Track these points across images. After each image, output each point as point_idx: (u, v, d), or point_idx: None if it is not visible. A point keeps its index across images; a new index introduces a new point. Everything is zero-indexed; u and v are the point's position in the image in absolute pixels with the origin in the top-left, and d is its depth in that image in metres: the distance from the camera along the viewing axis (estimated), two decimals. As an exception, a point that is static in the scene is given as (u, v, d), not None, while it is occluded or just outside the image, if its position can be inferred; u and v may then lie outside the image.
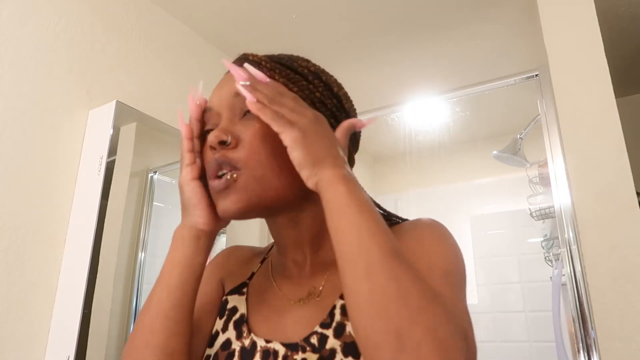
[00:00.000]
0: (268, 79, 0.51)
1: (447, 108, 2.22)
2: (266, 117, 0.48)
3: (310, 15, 1.69)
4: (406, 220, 0.60)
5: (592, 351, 1.08)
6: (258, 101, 0.48)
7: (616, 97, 1.20)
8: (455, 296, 0.47)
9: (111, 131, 1.26)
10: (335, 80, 0.60)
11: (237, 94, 0.52)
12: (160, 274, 0.54)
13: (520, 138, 1.91)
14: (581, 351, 1.10)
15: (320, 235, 0.57)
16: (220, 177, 0.51)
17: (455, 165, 2.72)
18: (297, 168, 0.47)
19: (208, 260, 0.57)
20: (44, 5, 1.25)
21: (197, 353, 0.57)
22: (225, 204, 0.51)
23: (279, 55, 0.59)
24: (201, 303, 0.60)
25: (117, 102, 1.29)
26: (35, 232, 1.15)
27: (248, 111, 0.52)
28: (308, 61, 0.59)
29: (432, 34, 1.82)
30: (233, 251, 0.69)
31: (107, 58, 1.40)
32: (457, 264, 0.51)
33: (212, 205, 0.55)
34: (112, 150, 1.27)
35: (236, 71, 0.50)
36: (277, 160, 0.51)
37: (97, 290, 1.19)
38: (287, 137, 0.47)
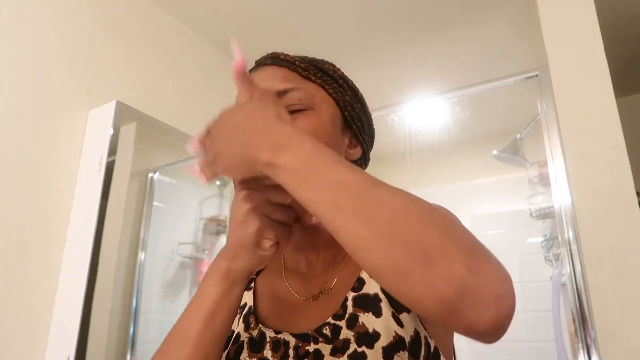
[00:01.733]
0: (243, 62, 0.47)
1: (447, 108, 2.22)
2: (206, 177, 0.46)
3: (310, 15, 1.69)
4: None
5: (592, 351, 1.08)
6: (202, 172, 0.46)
7: (616, 97, 1.20)
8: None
9: (111, 131, 1.26)
10: (356, 85, 0.63)
11: (278, 93, 0.51)
12: (197, 309, 0.47)
13: (520, 138, 1.90)
14: (581, 351, 1.10)
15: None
16: None
17: (455, 165, 2.72)
18: None
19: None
20: (44, 5, 1.25)
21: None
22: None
23: (308, 57, 0.60)
24: None
25: (117, 102, 1.29)
26: (35, 232, 1.15)
27: (293, 111, 0.52)
28: (334, 65, 0.61)
29: (432, 34, 1.82)
30: None
31: (107, 58, 1.40)
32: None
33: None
34: (112, 150, 1.27)
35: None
36: None
37: (97, 290, 1.19)
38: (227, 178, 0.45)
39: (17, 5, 1.18)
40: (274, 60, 0.57)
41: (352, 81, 0.62)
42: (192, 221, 1.63)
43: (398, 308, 0.48)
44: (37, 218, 1.16)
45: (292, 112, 0.52)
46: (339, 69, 0.61)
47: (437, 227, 0.34)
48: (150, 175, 1.46)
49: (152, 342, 1.43)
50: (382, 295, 0.49)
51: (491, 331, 0.33)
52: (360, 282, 0.51)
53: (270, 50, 0.61)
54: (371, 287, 0.50)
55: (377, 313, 0.48)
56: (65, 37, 1.29)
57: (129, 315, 1.34)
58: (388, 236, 0.33)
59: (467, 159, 2.70)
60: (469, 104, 2.27)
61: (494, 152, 2.00)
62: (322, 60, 0.61)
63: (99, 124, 1.29)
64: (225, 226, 1.66)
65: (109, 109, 1.28)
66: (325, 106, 0.56)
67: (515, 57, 1.94)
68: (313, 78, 0.56)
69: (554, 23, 1.35)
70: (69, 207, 1.24)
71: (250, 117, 0.43)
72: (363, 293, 0.50)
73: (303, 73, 0.56)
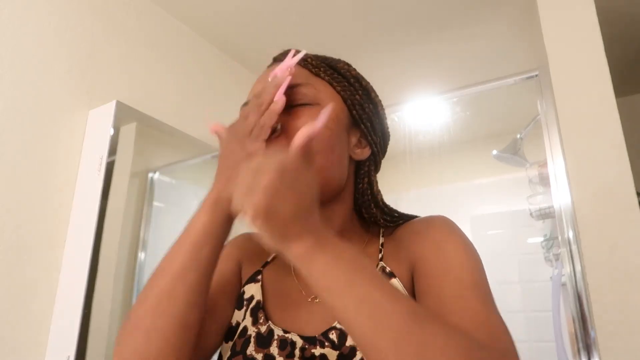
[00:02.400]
0: (292, 69, 0.51)
1: (447, 108, 2.21)
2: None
3: (310, 15, 1.69)
4: (416, 217, 0.61)
5: (592, 351, 1.08)
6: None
7: (616, 97, 1.20)
8: (487, 308, 0.46)
9: (111, 131, 1.26)
10: (372, 86, 0.62)
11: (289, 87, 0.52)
12: (184, 239, 0.49)
13: (520, 138, 1.90)
14: (581, 351, 1.10)
15: (341, 234, 0.57)
16: None
17: (455, 165, 2.71)
18: None
19: None
20: (44, 5, 1.25)
21: (209, 333, 0.55)
22: None
23: (323, 56, 0.61)
24: (217, 281, 0.58)
25: (117, 102, 1.29)
26: (35, 232, 1.15)
27: (298, 105, 0.53)
28: (349, 65, 0.61)
29: (432, 34, 1.82)
30: (251, 237, 0.67)
31: (107, 58, 1.40)
32: (480, 269, 0.50)
33: None
34: (112, 150, 1.27)
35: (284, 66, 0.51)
36: (327, 151, 0.52)
37: (97, 290, 1.19)
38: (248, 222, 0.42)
39: (17, 5, 1.18)
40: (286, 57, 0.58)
41: (367, 82, 0.62)
42: (192, 221, 1.63)
43: None
44: (37, 218, 1.16)
45: (296, 106, 0.53)
46: (354, 69, 0.61)
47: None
48: (150, 175, 1.46)
49: (152, 342, 1.43)
50: None
51: None
52: None
53: (269, 50, 0.61)
54: None
55: None
56: (65, 37, 1.29)
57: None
58: None
59: (467, 159, 2.70)
60: (469, 104, 2.26)
61: (494, 152, 2.00)
62: (337, 60, 0.62)
63: (99, 124, 1.29)
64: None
65: (109, 109, 1.28)
66: (331, 103, 0.55)
67: (515, 57, 1.94)
68: (322, 75, 0.57)
69: (554, 23, 1.34)
70: (69, 207, 1.24)
71: (299, 188, 0.40)
72: None
73: (313, 70, 0.57)
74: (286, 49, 0.61)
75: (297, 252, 0.40)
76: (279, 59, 0.60)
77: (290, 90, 0.53)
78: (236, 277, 0.62)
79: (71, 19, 1.31)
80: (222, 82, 1.84)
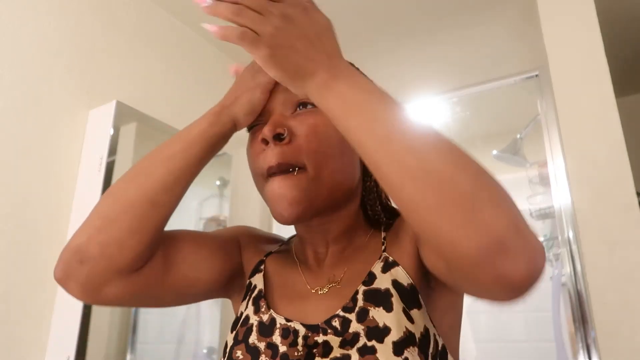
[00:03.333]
0: None
1: (447, 108, 2.21)
2: (229, 37, 0.43)
3: (310, 15, 1.69)
4: None
5: (592, 351, 1.08)
6: (214, 11, 0.45)
7: (616, 97, 1.20)
8: None
9: (111, 131, 1.26)
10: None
11: (288, 89, 0.50)
12: (178, 135, 0.52)
13: (520, 138, 1.90)
14: (581, 351, 1.10)
15: (346, 233, 0.57)
16: (283, 173, 0.50)
17: (455, 165, 2.71)
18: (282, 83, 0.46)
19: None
20: (44, 5, 1.25)
21: (185, 263, 0.55)
22: (284, 207, 0.50)
23: None
24: (214, 236, 0.60)
25: (117, 102, 1.29)
26: (36, 232, 1.15)
27: (300, 106, 0.52)
28: (352, 64, 0.61)
29: (433, 34, 1.82)
30: (255, 229, 0.69)
31: (107, 58, 1.40)
32: None
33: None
34: (112, 150, 1.27)
35: None
36: (337, 155, 0.51)
37: (97, 290, 1.19)
38: (257, 58, 0.44)
39: (17, 5, 1.18)
40: None
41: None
42: (192, 221, 1.63)
43: (409, 304, 0.48)
44: (37, 218, 1.16)
45: (300, 107, 0.53)
46: (357, 68, 0.60)
47: (490, 181, 0.36)
48: (150, 175, 1.46)
49: (152, 342, 1.43)
50: (393, 291, 0.49)
51: (522, 284, 0.33)
52: (372, 277, 0.51)
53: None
54: (382, 282, 0.50)
55: (388, 308, 0.47)
56: (65, 37, 1.29)
57: (129, 315, 1.34)
58: (441, 172, 0.35)
59: (467, 159, 2.70)
60: (469, 104, 2.26)
61: (494, 152, 2.00)
62: None
63: (99, 124, 1.29)
64: (225, 226, 1.66)
65: (109, 109, 1.28)
66: None
67: (515, 57, 1.94)
68: None
69: (554, 23, 1.35)
70: (69, 207, 1.24)
71: (321, 30, 0.45)
72: (374, 287, 0.50)
73: None
74: None
75: (311, 87, 0.43)
76: None
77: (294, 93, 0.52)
78: (231, 246, 0.62)
79: (71, 19, 1.31)
80: (222, 82, 1.84)
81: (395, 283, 0.49)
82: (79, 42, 1.33)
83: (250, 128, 0.56)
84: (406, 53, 1.95)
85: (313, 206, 0.51)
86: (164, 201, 0.50)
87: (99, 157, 1.24)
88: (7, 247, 1.09)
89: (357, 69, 0.51)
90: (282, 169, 0.50)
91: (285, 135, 0.50)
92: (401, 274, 0.51)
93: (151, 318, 1.42)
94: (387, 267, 0.52)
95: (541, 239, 1.92)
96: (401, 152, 0.37)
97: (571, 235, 1.18)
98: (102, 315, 1.23)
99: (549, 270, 1.85)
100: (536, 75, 1.39)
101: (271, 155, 0.50)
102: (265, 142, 0.50)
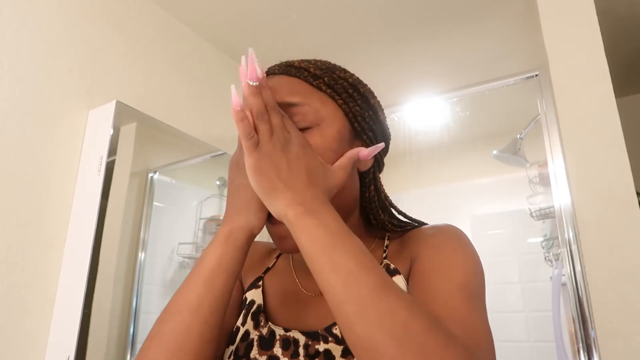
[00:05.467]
0: (261, 76, 0.47)
1: (447, 108, 2.22)
2: (239, 130, 0.45)
3: (310, 15, 1.69)
4: (425, 224, 0.61)
5: (592, 351, 1.08)
6: (241, 110, 0.45)
7: (616, 97, 1.20)
8: (471, 310, 0.46)
9: (111, 131, 1.26)
10: (370, 89, 0.61)
11: (283, 105, 0.51)
12: (198, 273, 0.49)
13: (520, 138, 1.91)
14: (581, 351, 1.10)
15: None
16: None
17: (455, 165, 2.71)
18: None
19: None
20: (44, 5, 1.25)
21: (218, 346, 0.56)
22: (286, 247, 0.52)
23: (320, 63, 0.59)
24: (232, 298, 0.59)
25: (117, 102, 1.29)
26: (35, 232, 1.15)
27: (304, 128, 0.52)
28: (346, 71, 0.60)
29: (432, 34, 1.82)
30: (252, 246, 0.69)
31: (107, 58, 1.40)
32: (476, 274, 0.50)
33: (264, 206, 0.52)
34: (112, 150, 1.27)
35: (248, 67, 0.47)
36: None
37: (97, 290, 1.19)
38: (245, 161, 0.46)
39: (17, 5, 1.18)
40: (284, 69, 0.56)
41: (365, 86, 0.61)
42: (192, 221, 1.63)
43: None
44: (37, 218, 1.16)
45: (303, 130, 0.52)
46: (352, 75, 0.60)
47: (440, 334, 0.38)
48: (150, 175, 1.46)
49: (152, 342, 1.42)
50: None
51: None
52: None
53: (269, 50, 0.61)
54: None
55: None
56: (65, 37, 1.29)
57: (129, 315, 1.34)
58: (379, 349, 0.37)
59: (467, 159, 2.70)
60: (469, 104, 2.27)
61: (494, 152, 2.00)
62: (334, 67, 0.60)
63: (99, 124, 1.29)
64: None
65: (109, 109, 1.28)
66: (332, 120, 0.54)
67: (515, 57, 1.94)
68: (324, 88, 0.55)
69: (554, 23, 1.34)
70: (69, 207, 1.24)
71: (302, 160, 0.47)
72: None
73: (314, 82, 0.55)
74: (283, 58, 0.59)
75: (285, 213, 0.44)
76: (272, 71, 0.58)
77: (289, 111, 0.51)
78: (240, 294, 0.63)
79: (71, 19, 1.31)
80: (222, 82, 1.84)
81: None
82: (78, 42, 1.33)
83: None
84: (406, 53, 1.95)
85: None
86: (209, 354, 0.48)
87: (99, 157, 1.24)
88: (7, 247, 1.09)
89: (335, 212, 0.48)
90: None
91: None
92: (401, 283, 0.51)
93: (151, 318, 1.42)
94: (388, 274, 0.52)
95: (541, 239, 1.92)
96: (351, 318, 0.39)
97: (571, 235, 1.18)
98: (103, 315, 1.23)
99: (549, 270, 1.85)
100: (536, 75, 1.39)
101: None
102: None
